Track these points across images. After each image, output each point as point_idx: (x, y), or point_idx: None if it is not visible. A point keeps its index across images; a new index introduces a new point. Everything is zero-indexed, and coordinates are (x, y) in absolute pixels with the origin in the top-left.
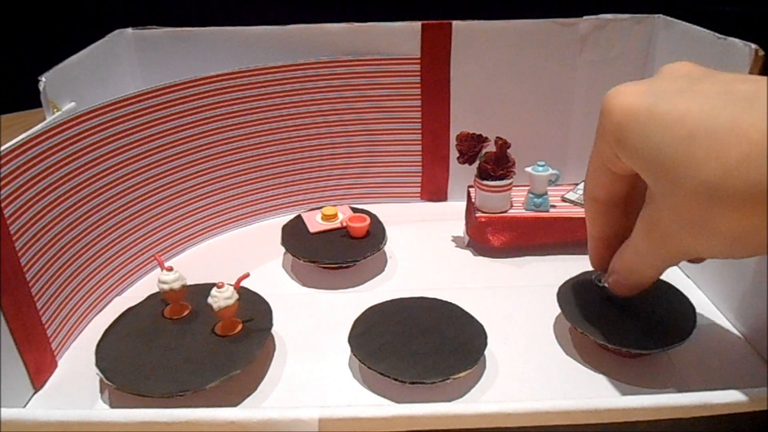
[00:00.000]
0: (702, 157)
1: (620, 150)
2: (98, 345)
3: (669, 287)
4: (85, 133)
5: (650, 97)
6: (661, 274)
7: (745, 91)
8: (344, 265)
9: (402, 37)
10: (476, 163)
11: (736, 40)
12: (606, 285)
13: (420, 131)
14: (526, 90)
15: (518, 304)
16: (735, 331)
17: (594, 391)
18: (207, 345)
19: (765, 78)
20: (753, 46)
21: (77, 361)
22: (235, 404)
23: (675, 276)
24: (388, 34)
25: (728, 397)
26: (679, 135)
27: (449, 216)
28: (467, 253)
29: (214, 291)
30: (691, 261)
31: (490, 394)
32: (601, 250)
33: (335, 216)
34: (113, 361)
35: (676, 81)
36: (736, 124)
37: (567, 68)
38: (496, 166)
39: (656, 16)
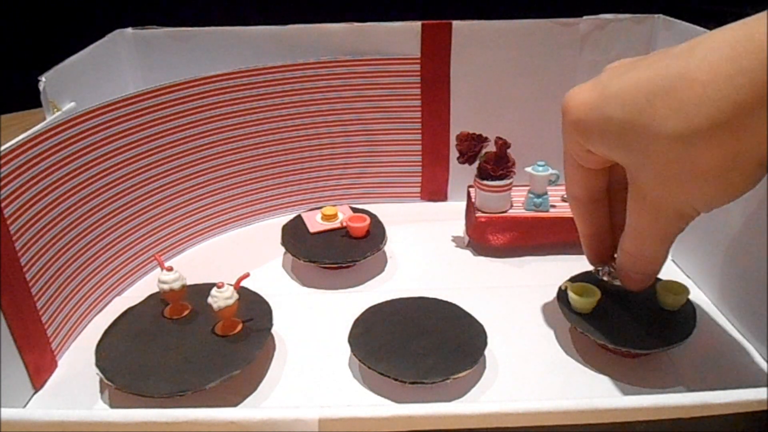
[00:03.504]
0: (664, 114)
1: (587, 142)
2: (98, 345)
3: None
4: (85, 133)
5: (599, 87)
6: (667, 250)
7: (680, 49)
8: (344, 265)
9: (402, 37)
10: (476, 163)
11: None
12: (606, 279)
13: (420, 131)
14: (526, 90)
15: (518, 304)
16: (735, 331)
17: (594, 391)
18: (207, 345)
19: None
20: None
21: (77, 361)
22: (235, 404)
23: (675, 276)
24: (388, 34)
25: (728, 397)
26: (638, 103)
27: (449, 216)
28: (467, 253)
29: (214, 291)
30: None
31: (490, 394)
32: (594, 247)
33: (335, 216)
34: (113, 361)
35: (618, 69)
36: (684, 72)
37: (567, 68)
38: (496, 166)
39: (656, 16)
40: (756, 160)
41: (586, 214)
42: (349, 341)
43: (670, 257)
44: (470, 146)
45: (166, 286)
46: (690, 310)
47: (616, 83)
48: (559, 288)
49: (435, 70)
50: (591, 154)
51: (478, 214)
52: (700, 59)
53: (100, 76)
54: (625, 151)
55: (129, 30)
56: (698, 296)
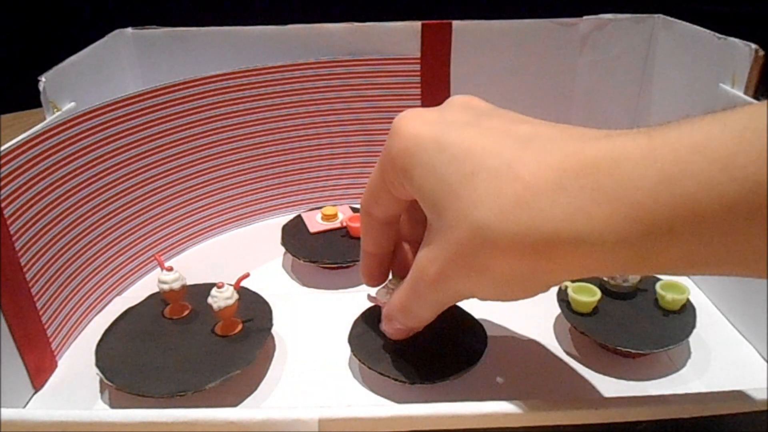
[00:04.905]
0: (481, 196)
1: (405, 178)
2: (98, 345)
3: None
4: (85, 133)
5: (439, 126)
6: (435, 316)
7: (524, 131)
8: (344, 265)
9: (402, 37)
10: None
11: (736, 40)
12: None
13: None
14: (526, 90)
15: (518, 304)
16: (735, 331)
17: (594, 391)
18: (207, 345)
19: (543, 122)
20: (753, 46)
21: (77, 361)
22: (235, 404)
23: (675, 276)
24: (388, 34)
25: (728, 397)
26: (463, 171)
27: None
28: None
29: (214, 291)
30: None
31: (490, 394)
32: (372, 268)
33: (335, 216)
34: (113, 361)
35: (464, 113)
36: (513, 163)
37: (567, 68)
38: None
39: (656, 16)
40: (551, 283)
41: (376, 233)
42: (349, 341)
43: None
44: None
45: (166, 286)
46: (690, 310)
47: (455, 135)
48: (559, 288)
49: (435, 70)
50: (404, 187)
51: None
52: (533, 156)
53: (100, 76)
54: (437, 211)
55: (129, 30)
56: (698, 296)
